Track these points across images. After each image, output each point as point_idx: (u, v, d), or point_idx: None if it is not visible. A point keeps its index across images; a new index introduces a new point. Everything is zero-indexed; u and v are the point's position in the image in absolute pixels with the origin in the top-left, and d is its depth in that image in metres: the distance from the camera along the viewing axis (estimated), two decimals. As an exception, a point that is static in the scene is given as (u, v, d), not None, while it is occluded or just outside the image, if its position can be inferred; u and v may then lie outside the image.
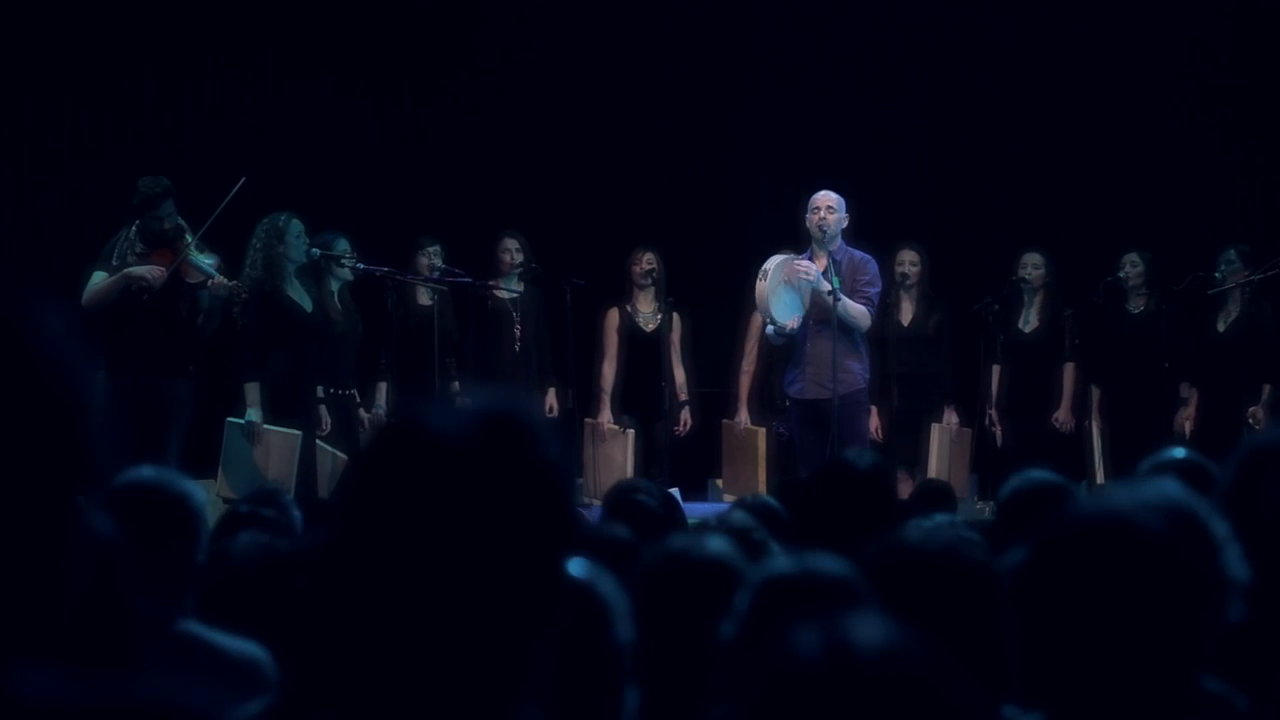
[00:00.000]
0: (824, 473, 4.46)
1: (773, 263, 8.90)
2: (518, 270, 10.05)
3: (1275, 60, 11.62)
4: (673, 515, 4.82)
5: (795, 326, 8.93)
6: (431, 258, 9.87)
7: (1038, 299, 10.34)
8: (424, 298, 9.89)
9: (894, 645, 1.61)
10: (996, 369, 10.34)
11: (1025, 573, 2.13)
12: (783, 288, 8.89)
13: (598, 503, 9.05)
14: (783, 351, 9.49)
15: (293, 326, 8.71)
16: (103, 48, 10.98)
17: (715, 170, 12.11)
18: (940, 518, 3.70)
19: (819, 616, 1.61)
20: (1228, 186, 11.59)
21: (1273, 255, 9.88)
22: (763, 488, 9.65)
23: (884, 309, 9.51)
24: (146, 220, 8.54)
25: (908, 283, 10.27)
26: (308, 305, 8.81)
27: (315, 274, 9.01)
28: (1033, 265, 10.34)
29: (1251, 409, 9.89)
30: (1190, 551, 2.04)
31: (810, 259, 9.07)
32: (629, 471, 9.78)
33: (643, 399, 10.18)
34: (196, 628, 3.24)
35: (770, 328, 9.05)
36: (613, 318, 10.28)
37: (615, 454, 10.11)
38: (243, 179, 8.65)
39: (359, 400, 9.29)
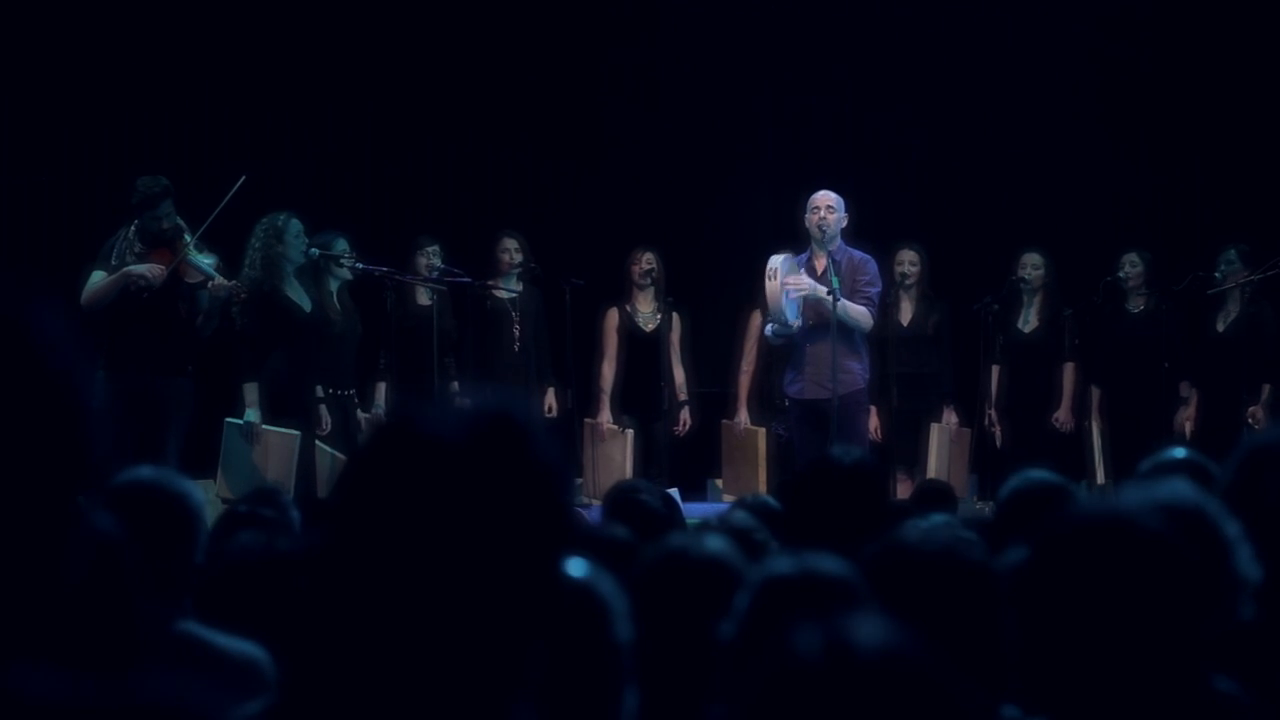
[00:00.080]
0: (810, 470, 4.45)
1: (778, 260, 8.88)
2: (517, 270, 10.05)
3: (1275, 60, 11.62)
4: (673, 515, 4.81)
5: (801, 325, 8.95)
6: (430, 257, 9.87)
7: (1037, 299, 10.34)
8: (423, 298, 9.89)
9: (894, 645, 1.61)
10: (996, 369, 10.34)
11: (1025, 572, 2.13)
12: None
13: (597, 503, 9.05)
14: (782, 351, 9.48)
15: (292, 327, 8.70)
16: (102, 47, 10.98)
17: (715, 170, 12.10)
18: (937, 518, 3.70)
19: (819, 617, 1.61)
20: (1228, 186, 11.59)
21: (1272, 255, 9.88)
22: (763, 488, 9.65)
23: (883, 309, 9.51)
24: (145, 220, 8.53)
25: (907, 282, 10.26)
26: (307, 305, 8.80)
27: (314, 274, 9.00)
28: (1032, 265, 10.34)
29: (1251, 409, 9.90)
30: (1191, 550, 2.04)
31: (810, 259, 9.07)
32: (628, 472, 9.78)
33: (642, 399, 10.18)
34: (195, 628, 3.24)
35: (770, 328, 9.04)
36: (612, 318, 10.28)
37: (614, 454, 10.11)
38: (242, 178, 8.65)
39: (358, 400, 9.29)
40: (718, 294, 11.32)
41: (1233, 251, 10.14)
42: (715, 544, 3.01)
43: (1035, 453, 8.91)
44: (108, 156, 10.89)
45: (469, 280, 9.71)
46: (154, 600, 3.04)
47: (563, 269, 9.97)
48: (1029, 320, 10.37)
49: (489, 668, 1.58)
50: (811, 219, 9.03)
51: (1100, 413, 10.39)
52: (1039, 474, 4.28)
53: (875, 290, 9.09)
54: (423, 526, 1.57)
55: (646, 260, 10.24)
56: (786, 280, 8.84)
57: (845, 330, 8.89)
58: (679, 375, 10.34)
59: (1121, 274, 10.32)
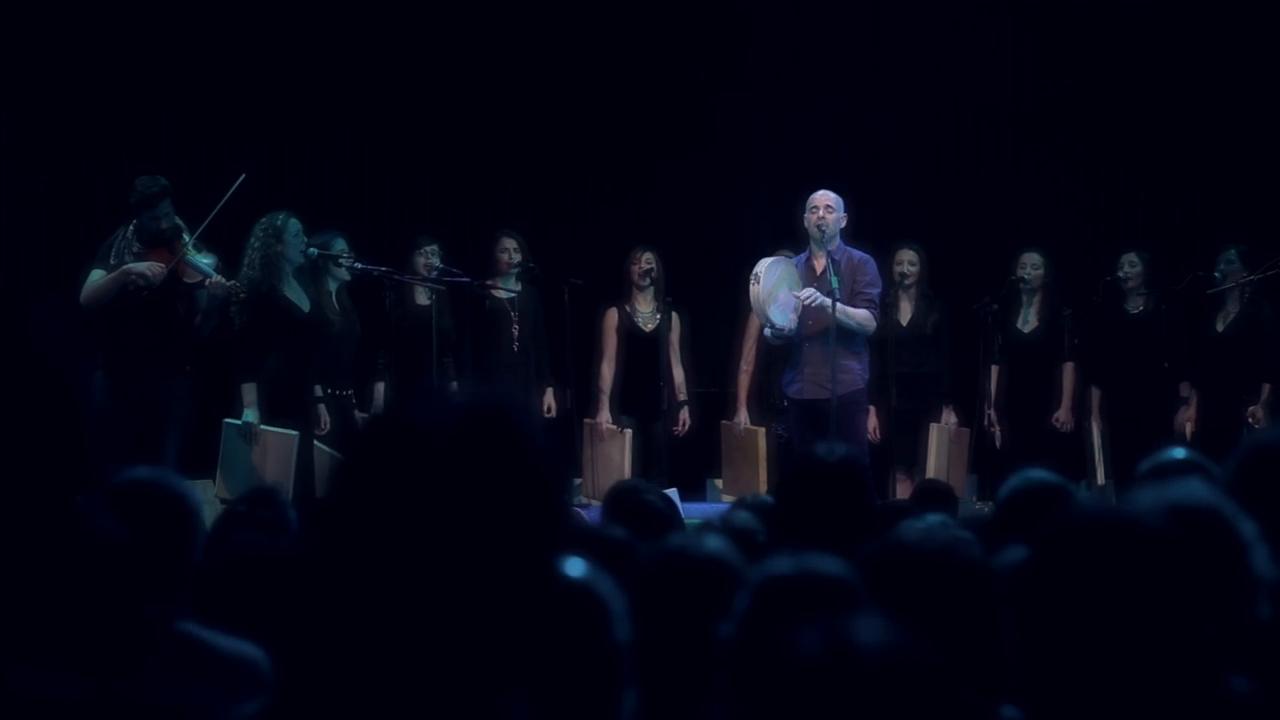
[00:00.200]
0: (795, 469, 4.45)
1: (764, 265, 8.89)
2: (516, 270, 10.04)
3: (1275, 60, 11.61)
4: (673, 516, 4.81)
5: (793, 327, 8.92)
6: (429, 257, 9.86)
7: (1037, 299, 10.33)
8: (422, 297, 9.88)
9: (893, 645, 1.60)
10: (995, 369, 10.33)
11: (1026, 572, 2.13)
12: (779, 288, 8.88)
13: (596, 503, 9.04)
14: (781, 351, 9.48)
15: (290, 327, 8.69)
16: (101, 47, 10.97)
17: (715, 170, 12.10)
18: (933, 517, 3.69)
19: (818, 617, 1.60)
20: (1227, 187, 11.59)
21: (1272, 255, 9.88)
22: (763, 488, 9.64)
23: (883, 309, 9.50)
24: (144, 220, 8.52)
25: (906, 282, 10.26)
26: (305, 305, 8.79)
27: (313, 274, 9.00)
28: (1032, 265, 10.33)
29: (1251, 408, 9.90)
30: (1196, 549, 2.03)
31: (808, 259, 9.06)
32: (627, 472, 9.77)
33: (641, 399, 10.17)
34: (193, 628, 3.23)
35: (768, 330, 9.04)
36: (611, 318, 10.27)
37: (613, 454, 10.10)
38: (242, 176, 8.64)
39: (356, 400, 9.28)
40: (717, 294, 11.31)
41: (1232, 251, 10.14)
42: (715, 544, 3.00)
43: (1035, 453, 8.90)
44: (106, 156, 10.88)
45: (468, 280, 9.70)
46: (152, 600, 3.03)
47: (562, 269, 9.96)
48: (1028, 320, 10.36)
49: (481, 660, 1.57)
50: (810, 219, 9.02)
51: (1100, 413, 10.38)
52: (1038, 474, 4.27)
53: (876, 291, 9.08)
54: (415, 517, 1.56)
55: (646, 260, 10.23)
56: (796, 294, 8.83)
57: (845, 330, 8.88)
58: (678, 375, 10.33)
59: (1121, 274, 10.32)
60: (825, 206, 8.99)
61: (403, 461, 1.58)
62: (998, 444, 10.23)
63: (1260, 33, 11.65)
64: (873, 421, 9.82)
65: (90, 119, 10.97)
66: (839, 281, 8.82)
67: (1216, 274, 10.09)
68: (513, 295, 10.02)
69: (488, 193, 11.71)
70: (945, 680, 1.60)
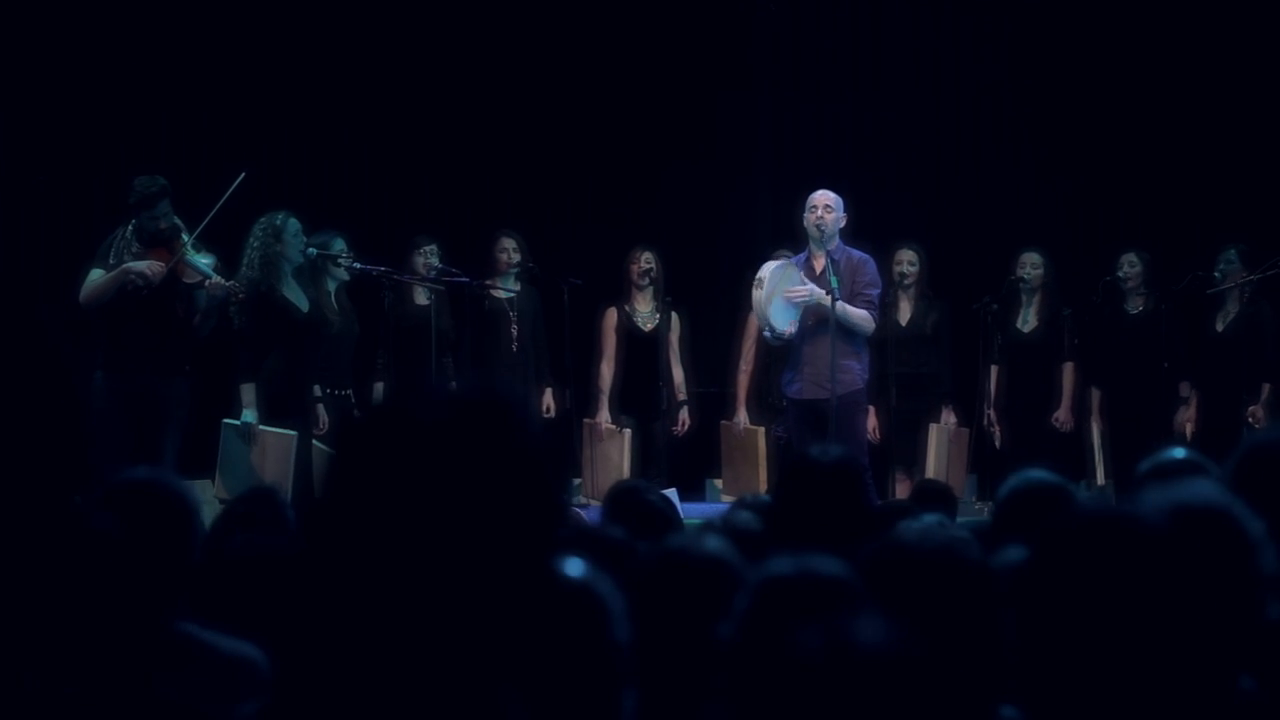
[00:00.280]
0: (790, 470, 4.45)
1: (768, 269, 8.89)
2: (515, 270, 10.04)
3: (1275, 60, 11.61)
4: (673, 516, 4.81)
5: (793, 332, 8.92)
6: (428, 257, 9.86)
7: (1036, 299, 10.33)
8: (421, 297, 9.88)
9: (893, 645, 1.60)
10: (995, 369, 10.33)
11: (1027, 571, 2.12)
12: (780, 293, 8.87)
13: (596, 503, 9.04)
14: (781, 351, 9.47)
15: (289, 327, 8.68)
16: (100, 46, 10.97)
17: (714, 169, 12.10)
18: (930, 518, 3.69)
19: (819, 617, 1.60)
20: (1227, 187, 11.59)
21: (1272, 255, 9.88)
22: (763, 488, 9.63)
23: (882, 309, 9.49)
24: (143, 220, 8.51)
25: (906, 282, 10.25)
26: (304, 305, 8.79)
27: (312, 274, 8.99)
28: (1031, 265, 10.33)
29: (1251, 408, 9.89)
30: (1202, 549, 2.03)
31: (808, 259, 9.05)
32: (626, 472, 9.77)
33: (641, 399, 10.17)
34: (192, 628, 3.23)
35: (768, 333, 9.03)
36: (611, 317, 10.27)
37: (613, 454, 10.10)
38: (242, 174, 8.63)
39: (355, 400, 9.28)
40: (716, 294, 11.31)
41: (1232, 251, 10.14)
42: (714, 544, 3.00)
43: (1034, 453, 8.90)
44: (105, 156, 10.87)
45: (467, 280, 9.70)
46: (151, 600, 3.03)
47: (561, 269, 9.96)
48: (1028, 320, 10.36)
49: (479, 658, 1.57)
50: (810, 218, 9.00)
51: (1100, 413, 10.38)
52: (1038, 474, 4.26)
53: (875, 291, 9.07)
54: (411, 511, 1.56)
55: (645, 260, 10.22)
56: (789, 291, 8.83)
57: (844, 330, 8.87)
58: (678, 375, 10.32)
59: (1120, 274, 10.31)
60: (825, 206, 8.98)
61: (398, 455, 1.57)
62: (997, 444, 10.22)
63: (1260, 32, 11.65)
64: (872, 421, 9.81)
65: (89, 118, 10.96)
66: (838, 281, 8.81)
67: (1216, 274, 10.09)
68: (512, 295, 10.02)
69: (487, 192, 11.70)
70: (945, 680, 1.60)
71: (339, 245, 9.19)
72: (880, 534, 3.10)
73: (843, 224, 9.02)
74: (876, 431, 9.90)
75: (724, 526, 4.15)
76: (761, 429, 10.28)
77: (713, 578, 2.85)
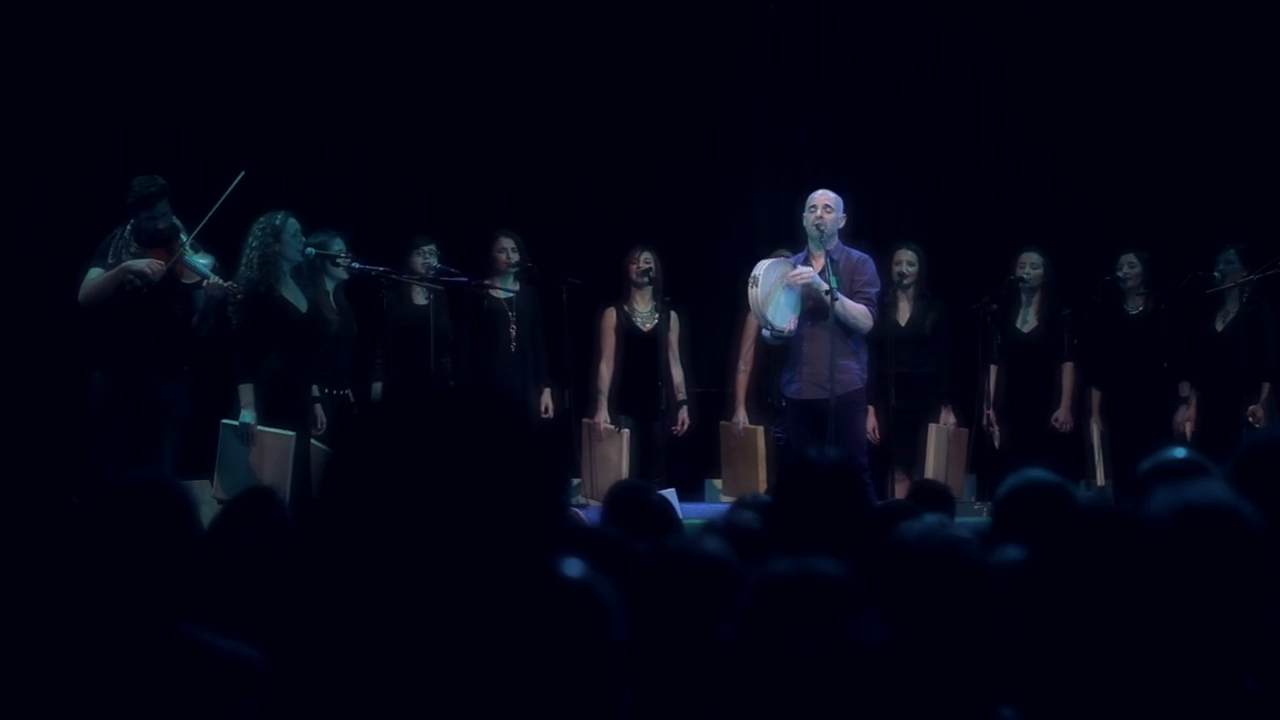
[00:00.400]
0: (788, 472, 4.44)
1: (762, 268, 8.87)
2: (514, 270, 10.03)
3: (1274, 60, 11.61)
4: (673, 516, 4.81)
5: (792, 329, 8.91)
6: (427, 257, 9.85)
7: (1036, 298, 10.32)
8: (419, 297, 9.88)
9: (892, 646, 1.59)
10: (994, 369, 10.33)
11: (1026, 571, 2.12)
12: (777, 291, 8.86)
13: (595, 503, 9.04)
14: (780, 351, 9.46)
15: (288, 327, 8.67)
16: (98, 46, 10.96)
17: (713, 169, 12.10)
18: (930, 518, 3.68)
19: (819, 618, 1.59)
20: (1227, 187, 11.59)
21: (1271, 255, 9.88)
22: (763, 488, 9.63)
23: (881, 309, 9.49)
24: (141, 220, 8.50)
25: (905, 282, 10.25)
26: (302, 305, 8.78)
27: (310, 273, 8.98)
28: (1031, 265, 10.32)
29: (1251, 408, 9.89)
30: (1209, 549, 2.02)
31: (807, 259, 9.04)
32: (625, 472, 9.77)
33: (640, 399, 10.16)
34: (190, 629, 3.22)
35: (766, 331, 9.02)
36: (610, 317, 10.26)
37: (612, 454, 10.09)
38: (241, 173, 8.63)
39: (354, 400, 9.28)
40: (716, 293, 11.30)
41: (1231, 251, 10.14)
42: (713, 544, 2.99)
43: (1034, 453, 8.90)
44: (104, 155, 10.87)
45: (465, 280, 9.69)
46: (149, 600, 3.02)
47: (560, 268, 9.96)
48: (1028, 320, 10.35)
49: (477, 657, 1.56)
50: (809, 218, 8.99)
51: (1099, 413, 10.38)
52: (1037, 474, 4.25)
53: (874, 290, 9.06)
54: (409, 509, 1.55)
55: (644, 260, 10.22)
56: (791, 274, 8.82)
57: (843, 330, 8.85)
58: (677, 375, 10.32)
59: (1120, 274, 10.31)
60: (824, 206, 8.97)
61: (397, 453, 1.57)
62: (997, 444, 10.22)
63: (1260, 32, 11.65)
64: (872, 422, 9.81)
65: (88, 118, 10.96)
66: (837, 281, 8.80)
67: (1216, 274, 10.08)
68: (510, 295, 10.02)
69: (485, 192, 11.70)
70: (943, 680, 1.59)
71: (338, 245, 9.18)
72: (880, 534, 3.09)
73: (842, 224, 9.01)
74: (876, 431, 9.90)
75: (724, 526, 4.15)
76: (761, 429, 10.28)
77: (712, 578, 2.85)
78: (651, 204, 11.75)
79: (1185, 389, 10.24)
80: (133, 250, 8.50)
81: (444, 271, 9.69)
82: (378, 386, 9.67)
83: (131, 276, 8.40)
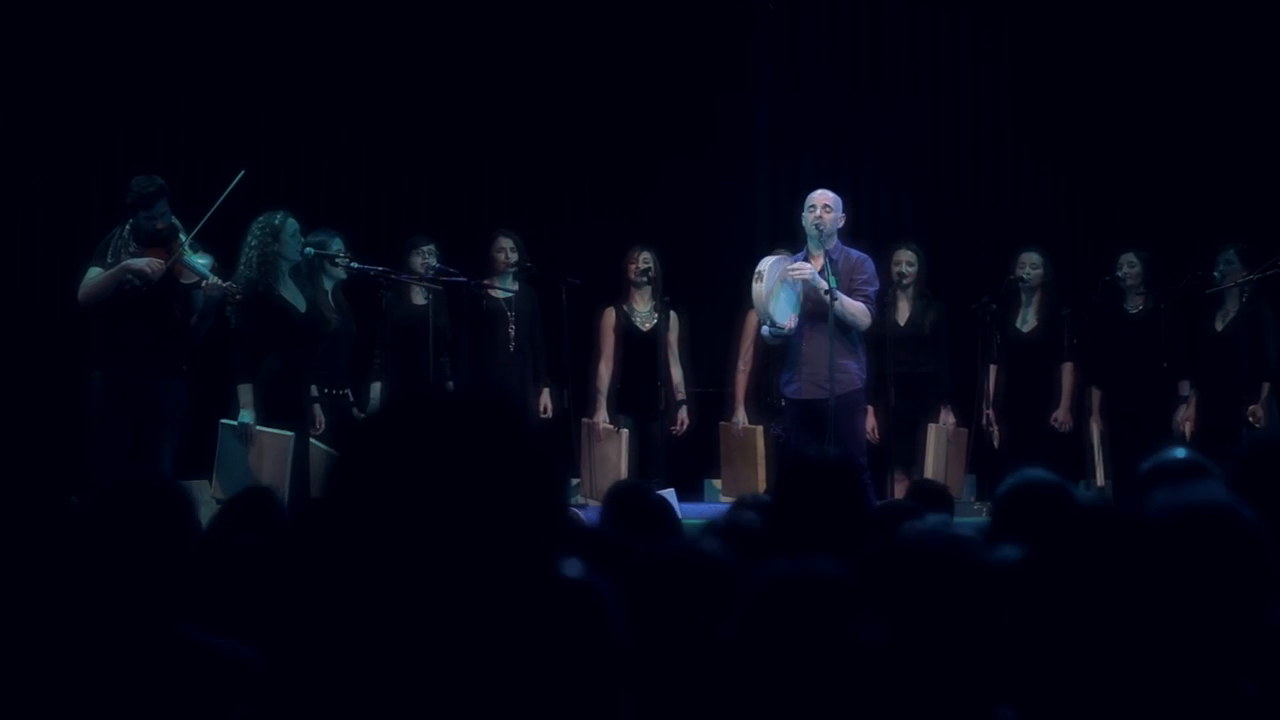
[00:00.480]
0: (788, 472, 4.44)
1: (767, 263, 8.87)
2: (513, 269, 10.03)
3: (1274, 60, 11.61)
4: (672, 516, 4.81)
5: (793, 327, 8.90)
6: (426, 256, 9.85)
7: (1035, 298, 10.32)
8: (418, 297, 9.87)
9: (892, 645, 1.59)
10: (994, 369, 10.32)
11: (1025, 570, 2.12)
12: (780, 287, 8.86)
13: (594, 503, 9.04)
14: (779, 351, 9.46)
15: (287, 327, 8.67)
16: (97, 46, 10.96)
17: (712, 169, 12.10)
18: (933, 518, 3.68)
19: (818, 617, 1.59)
20: (1227, 187, 11.59)
21: (1271, 255, 9.87)
22: (762, 488, 9.63)
23: (881, 309, 9.48)
24: (140, 220, 8.49)
25: (905, 282, 10.25)
26: (301, 305, 8.77)
27: (309, 273, 8.98)
28: (1031, 264, 10.32)
29: (1251, 407, 9.89)
30: (1208, 549, 2.02)
31: (806, 258, 9.04)
32: (624, 472, 9.77)
33: (639, 399, 10.16)
34: (189, 629, 3.22)
35: (766, 329, 9.01)
36: (609, 317, 10.26)
37: (611, 454, 10.09)
38: (241, 173, 8.62)
39: (353, 400, 9.27)
40: (715, 293, 11.30)
41: (1231, 251, 10.13)
42: (712, 545, 2.99)
43: (1034, 453, 8.89)
44: (103, 155, 10.87)
45: (464, 279, 9.69)
46: (147, 601, 3.02)
47: (559, 268, 9.96)
48: (1027, 320, 10.35)
49: (477, 656, 1.56)
50: (809, 218, 8.99)
51: (1099, 413, 10.38)
52: (1036, 473, 4.25)
53: (873, 289, 9.06)
54: (411, 513, 1.55)
55: (643, 259, 10.22)
56: (791, 267, 8.82)
57: (842, 329, 8.85)
58: (676, 375, 10.32)
59: (1120, 274, 10.31)
60: (823, 205, 8.97)
61: (400, 457, 1.57)
62: (996, 444, 10.22)
63: (1259, 32, 11.65)
64: (871, 421, 9.80)
65: (87, 118, 10.96)
66: (836, 281, 8.80)
67: (1215, 274, 10.08)
68: (509, 295, 10.01)
69: (484, 192, 11.70)
70: (942, 680, 1.59)
71: (337, 245, 9.18)
72: (880, 534, 3.09)
73: (841, 224, 9.01)
74: (875, 431, 9.89)
75: (724, 526, 4.15)
76: (760, 429, 10.28)
77: (711, 578, 2.85)
78: (650, 204, 11.75)
79: (1185, 389, 10.24)
80: (132, 250, 8.50)
81: (443, 271, 9.68)
82: (376, 386, 9.67)
83: (131, 276, 8.39)
